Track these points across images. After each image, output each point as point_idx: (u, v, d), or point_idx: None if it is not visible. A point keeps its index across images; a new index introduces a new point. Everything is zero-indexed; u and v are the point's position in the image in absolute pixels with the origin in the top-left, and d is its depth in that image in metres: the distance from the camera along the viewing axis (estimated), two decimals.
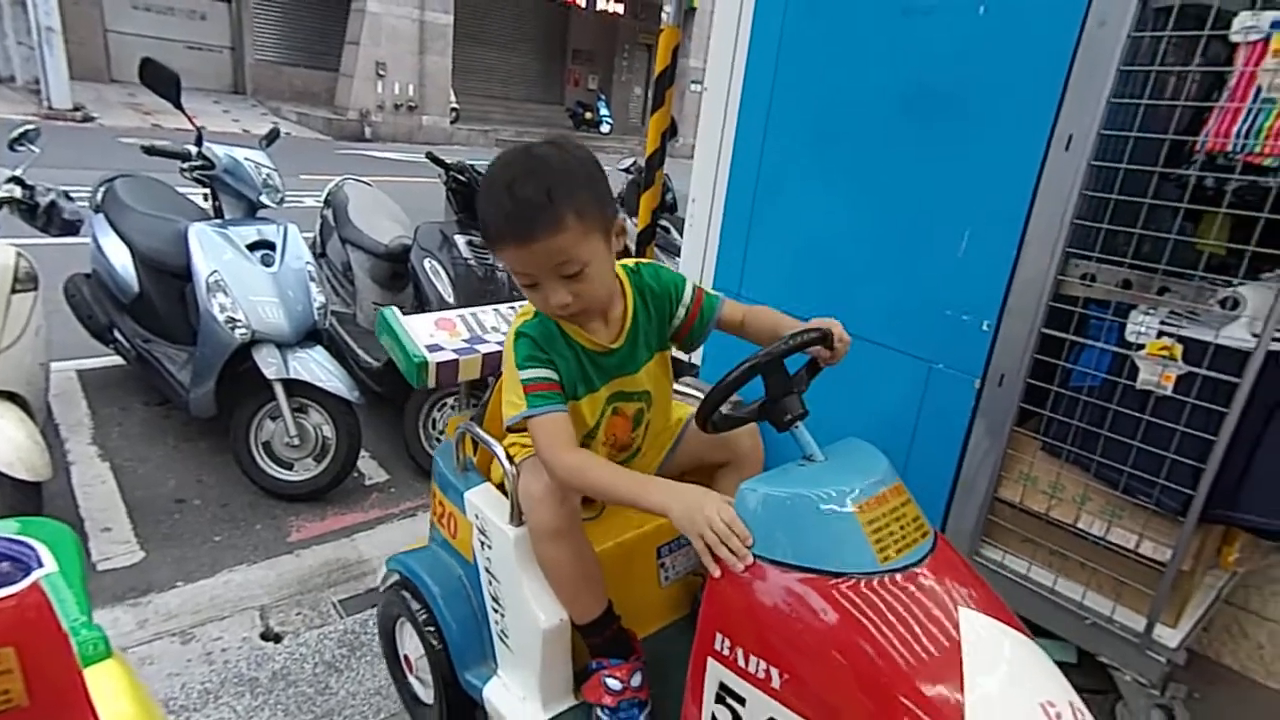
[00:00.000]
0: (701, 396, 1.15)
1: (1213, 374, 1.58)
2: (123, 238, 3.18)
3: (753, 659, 0.90)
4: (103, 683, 0.87)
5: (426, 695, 1.66)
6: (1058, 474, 1.85)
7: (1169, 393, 1.66)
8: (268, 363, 2.68)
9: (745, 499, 0.97)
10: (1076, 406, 1.80)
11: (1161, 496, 1.67)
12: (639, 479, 1.16)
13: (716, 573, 0.97)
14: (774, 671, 0.88)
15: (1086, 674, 1.91)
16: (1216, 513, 1.65)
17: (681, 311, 1.41)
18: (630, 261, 1.42)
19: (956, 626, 0.87)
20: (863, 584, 0.89)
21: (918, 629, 0.86)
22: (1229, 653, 2.18)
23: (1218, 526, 1.81)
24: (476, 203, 1.23)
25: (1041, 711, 0.83)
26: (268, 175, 2.99)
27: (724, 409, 1.12)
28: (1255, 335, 1.53)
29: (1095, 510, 1.81)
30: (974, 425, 1.98)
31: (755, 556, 0.94)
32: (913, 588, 0.90)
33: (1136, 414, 1.69)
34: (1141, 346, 1.70)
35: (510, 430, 1.38)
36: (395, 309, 1.68)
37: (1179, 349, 1.64)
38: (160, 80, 2.85)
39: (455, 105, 16.10)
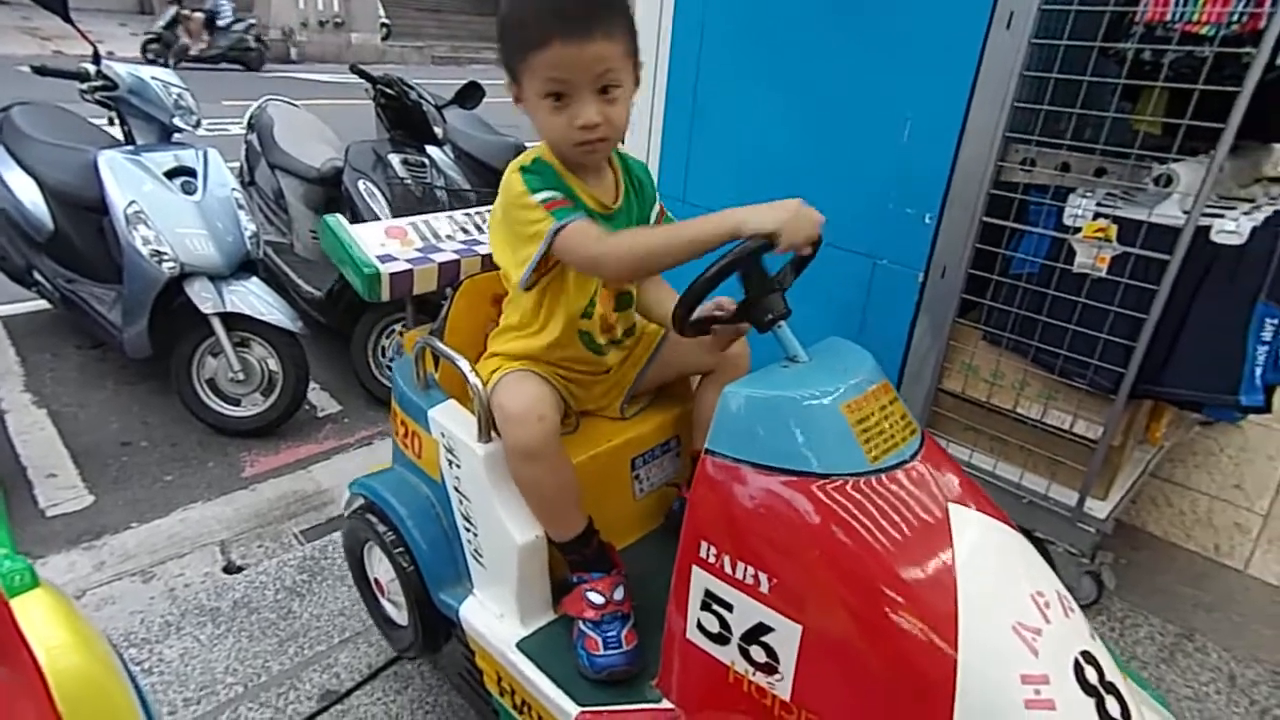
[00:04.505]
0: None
1: (1145, 252, 1.54)
2: (28, 171, 2.81)
3: (740, 565, 0.83)
4: (32, 611, 0.81)
5: (400, 617, 1.56)
6: (998, 362, 1.82)
7: (1103, 274, 1.62)
8: (202, 297, 2.43)
9: (728, 402, 0.87)
10: (1016, 294, 1.75)
11: (1095, 376, 1.66)
12: (700, 217, 0.98)
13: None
14: (762, 576, 0.81)
15: None
16: (1145, 388, 1.64)
17: (651, 217, 1.29)
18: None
19: (948, 522, 0.81)
20: (850, 484, 0.81)
21: (908, 526, 0.79)
22: (1153, 521, 2.26)
23: (1146, 403, 1.82)
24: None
25: (1031, 602, 0.79)
26: (179, 95, 2.62)
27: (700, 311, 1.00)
28: (1185, 212, 1.49)
29: (1032, 395, 1.79)
30: (918, 319, 1.93)
31: (740, 461, 0.85)
32: (902, 486, 0.83)
33: (1073, 298, 1.65)
34: (1079, 230, 1.64)
35: (529, 287, 1.18)
36: (339, 216, 1.46)
37: (1114, 230, 1.59)
38: None
39: (386, 20, 14.65)
